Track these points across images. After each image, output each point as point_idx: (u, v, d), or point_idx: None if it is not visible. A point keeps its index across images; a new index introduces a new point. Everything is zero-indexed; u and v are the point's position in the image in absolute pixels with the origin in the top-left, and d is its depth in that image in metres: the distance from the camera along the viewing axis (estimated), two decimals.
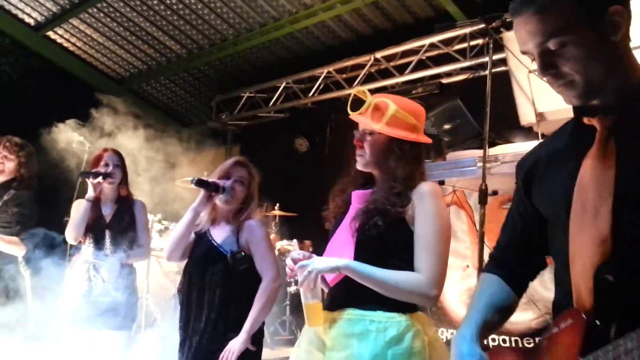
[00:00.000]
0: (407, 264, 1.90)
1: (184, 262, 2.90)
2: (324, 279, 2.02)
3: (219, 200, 2.75)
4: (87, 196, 3.38)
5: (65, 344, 3.28)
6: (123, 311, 3.35)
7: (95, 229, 3.40)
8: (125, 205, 3.54)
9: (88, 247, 3.40)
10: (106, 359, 3.32)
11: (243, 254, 2.69)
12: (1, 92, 6.74)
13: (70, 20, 7.05)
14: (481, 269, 3.05)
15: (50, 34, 7.38)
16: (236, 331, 2.62)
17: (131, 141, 4.58)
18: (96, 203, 3.43)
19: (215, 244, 2.74)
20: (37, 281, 3.63)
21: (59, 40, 7.49)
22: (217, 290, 2.66)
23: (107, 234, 3.42)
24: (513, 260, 1.52)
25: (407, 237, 1.93)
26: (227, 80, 7.85)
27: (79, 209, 3.38)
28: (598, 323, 1.16)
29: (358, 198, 2.08)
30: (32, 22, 7.23)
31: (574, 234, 1.26)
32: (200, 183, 2.68)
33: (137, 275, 3.61)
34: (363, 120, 2.07)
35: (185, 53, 7.43)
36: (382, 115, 2.03)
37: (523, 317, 4.93)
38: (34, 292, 3.83)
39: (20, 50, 7.27)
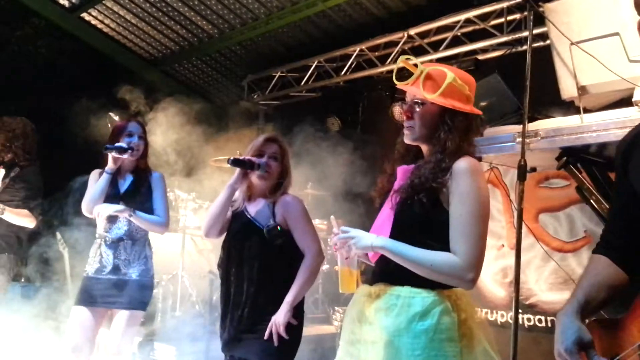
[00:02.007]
0: (445, 244, 1.85)
1: (217, 240, 2.91)
2: (366, 255, 2.00)
3: (255, 176, 2.76)
4: (107, 168, 3.24)
5: (73, 323, 3.15)
6: (133, 290, 3.18)
7: (109, 202, 3.22)
8: (143, 177, 3.38)
9: (101, 220, 3.26)
10: (110, 339, 3.18)
11: (279, 228, 2.69)
12: (37, 74, 6.85)
13: (104, 2, 7.08)
14: (519, 248, 2.99)
15: (85, 15, 7.43)
16: (275, 304, 2.63)
17: (164, 122, 4.62)
18: (113, 174, 3.28)
19: (251, 218, 2.75)
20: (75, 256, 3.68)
21: (93, 21, 7.56)
22: (255, 264, 2.67)
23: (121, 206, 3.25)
24: (617, 239, 1.58)
25: (444, 216, 1.86)
26: (258, 60, 7.81)
27: (96, 181, 3.25)
28: None
29: (402, 173, 2.01)
30: (66, 3, 7.28)
31: None
32: (236, 162, 2.70)
33: (152, 253, 3.39)
34: (413, 90, 1.99)
35: (217, 33, 7.42)
36: (436, 84, 1.94)
37: (560, 297, 4.85)
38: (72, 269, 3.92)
39: (55, 32, 7.35)
